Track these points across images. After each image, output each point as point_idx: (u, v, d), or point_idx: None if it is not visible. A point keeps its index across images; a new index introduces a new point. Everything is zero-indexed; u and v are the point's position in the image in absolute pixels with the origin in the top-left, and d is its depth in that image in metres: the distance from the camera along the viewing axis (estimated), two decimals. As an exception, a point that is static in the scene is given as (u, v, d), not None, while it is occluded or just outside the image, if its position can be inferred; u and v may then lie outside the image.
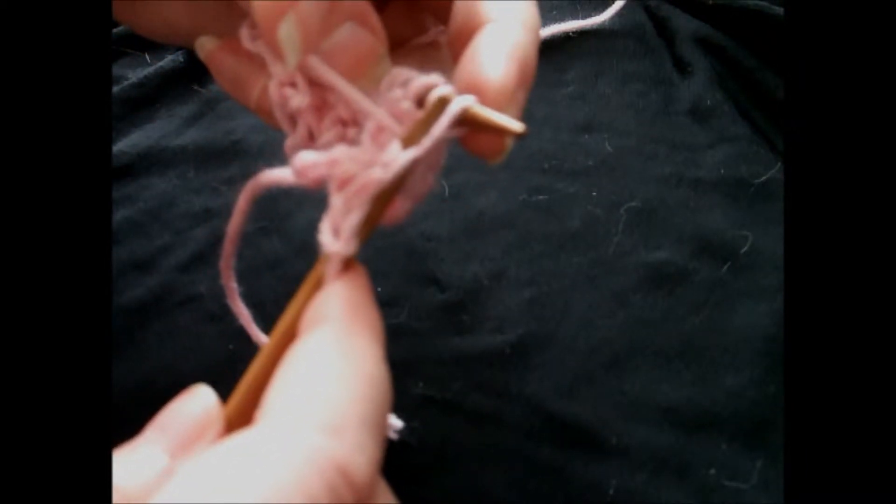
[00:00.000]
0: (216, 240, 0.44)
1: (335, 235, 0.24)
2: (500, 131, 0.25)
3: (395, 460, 0.38)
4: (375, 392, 0.22)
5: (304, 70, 0.26)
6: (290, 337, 0.24)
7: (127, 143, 0.50)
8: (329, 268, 0.24)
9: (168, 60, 0.53)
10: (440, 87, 0.25)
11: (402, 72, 0.26)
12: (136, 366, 0.41)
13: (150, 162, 0.49)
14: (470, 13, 0.27)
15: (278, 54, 0.25)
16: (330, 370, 0.21)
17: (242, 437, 0.20)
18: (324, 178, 0.25)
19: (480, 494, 0.37)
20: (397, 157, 0.24)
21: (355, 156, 0.25)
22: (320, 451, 0.19)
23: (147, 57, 0.54)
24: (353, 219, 0.24)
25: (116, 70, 0.54)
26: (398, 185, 0.25)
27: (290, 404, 0.21)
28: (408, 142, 0.25)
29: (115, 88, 0.52)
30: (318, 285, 0.25)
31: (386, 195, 0.25)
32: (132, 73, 0.53)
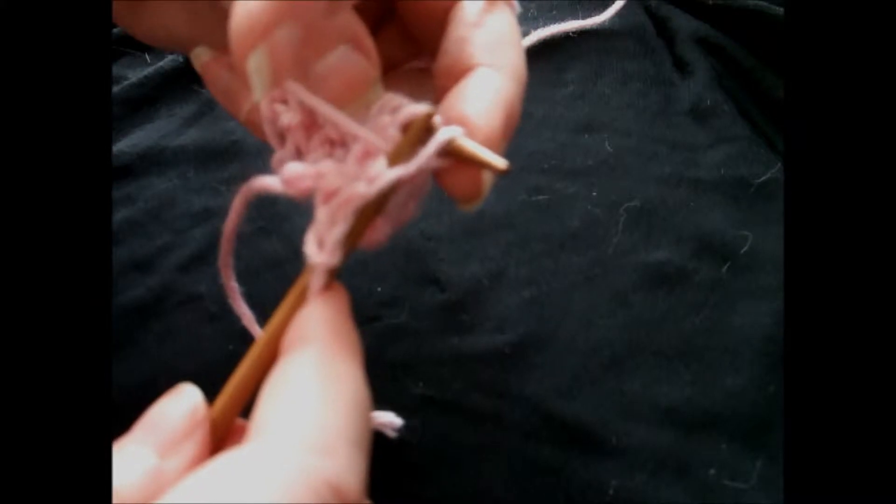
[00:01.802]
0: (216, 240, 0.44)
1: (319, 247, 0.25)
2: (482, 166, 0.25)
3: (395, 460, 0.38)
4: (360, 413, 0.22)
5: (298, 98, 0.26)
6: (277, 342, 0.24)
7: (127, 143, 0.50)
8: (313, 279, 0.25)
9: (168, 60, 0.53)
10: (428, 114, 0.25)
11: (394, 98, 0.26)
12: (136, 366, 0.41)
13: (150, 162, 0.49)
14: (460, 53, 0.27)
15: (249, 83, 0.25)
16: (318, 392, 0.22)
17: (236, 454, 0.20)
18: (311, 190, 0.25)
19: (480, 494, 0.37)
20: (382, 173, 0.25)
21: (341, 170, 0.25)
22: (314, 470, 0.20)
23: (147, 57, 0.54)
24: (338, 231, 0.25)
25: (116, 70, 0.54)
26: (382, 201, 0.25)
27: (281, 425, 0.21)
28: (393, 159, 0.25)
29: (115, 88, 0.52)
30: (304, 295, 0.25)
31: (370, 210, 0.25)
32: (132, 73, 0.53)
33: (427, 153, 0.25)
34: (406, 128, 0.25)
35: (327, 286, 0.25)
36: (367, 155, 0.25)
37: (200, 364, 0.41)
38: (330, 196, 0.25)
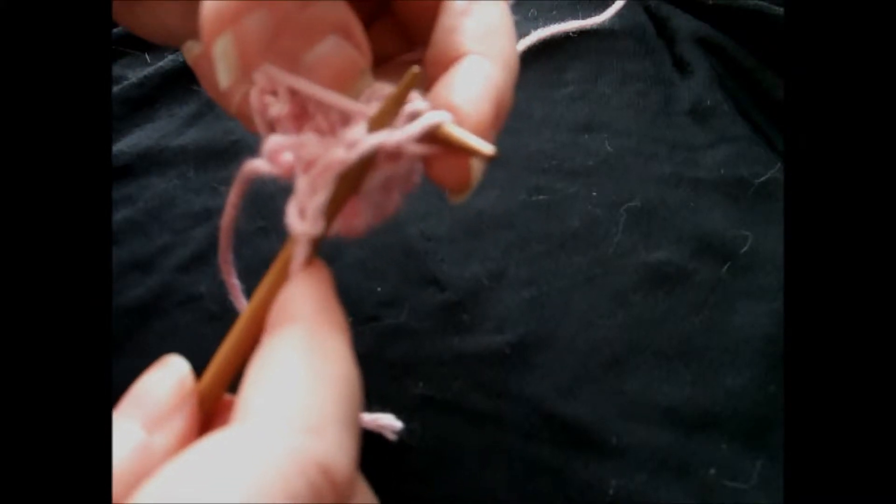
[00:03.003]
0: (216, 239, 0.44)
1: (301, 217, 0.25)
2: (469, 152, 0.25)
3: (395, 460, 0.38)
4: (349, 391, 0.22)
5: (273, 77, 0.26)
6: (262, 316, 0.24)
7: (127, 143, 0.50)
8: (297, 249, 0.25)
9: (168, 60, 0.53)
10: (416, 102, 0.25)
11: (383, 87, 0.26)
12: (136, 366, 0.41)
13: (150, 162, 0.49)
14: (449, 42, 0.27)
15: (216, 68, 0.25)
16: (305, 371, 0.22)
17: (224, 436, 0.20)
18: (294, 164, 0.25)
19: (480, 494, 0.37)
20: (362, 137, 0.24)
21: (322, 140, 0.25)
22: (302, 450, 0.20)
23: (147, 57, 0.54)
24: (319, 199, 0.24)
25: (116, 70, 0.54)
26: (364, 168, 0.25)
27: (269, 405, 0.21)
28: (374, 125, 0.25)
29: (115, 88, 0.52)
30: (287, 267, 0.25)
31: (351, 178, 0.25)
32: (132, 73, 0.53)
33: (413, 131, 0.24)
34: (400, 116, 0.25)
35: (309, 261, 0.25)
36: (348, 122, 0.25)
37: (200, 364, 0.41)
38: (310, 165, 0.25)
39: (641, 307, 0.41)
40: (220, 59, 0.24)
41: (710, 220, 0.44)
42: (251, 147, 0.48)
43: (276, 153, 0.25)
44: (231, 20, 0.24)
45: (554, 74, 0.50)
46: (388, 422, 0.37)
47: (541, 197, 0.45)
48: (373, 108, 0.25)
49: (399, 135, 0.24)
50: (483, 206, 0.45)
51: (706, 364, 0.40)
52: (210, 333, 0.42)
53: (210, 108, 0.51)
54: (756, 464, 0.37)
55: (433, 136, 0.25)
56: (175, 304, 0.43)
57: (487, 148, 0.25)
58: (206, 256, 0.44)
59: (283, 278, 0.25)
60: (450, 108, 0.25)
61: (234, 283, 0.30)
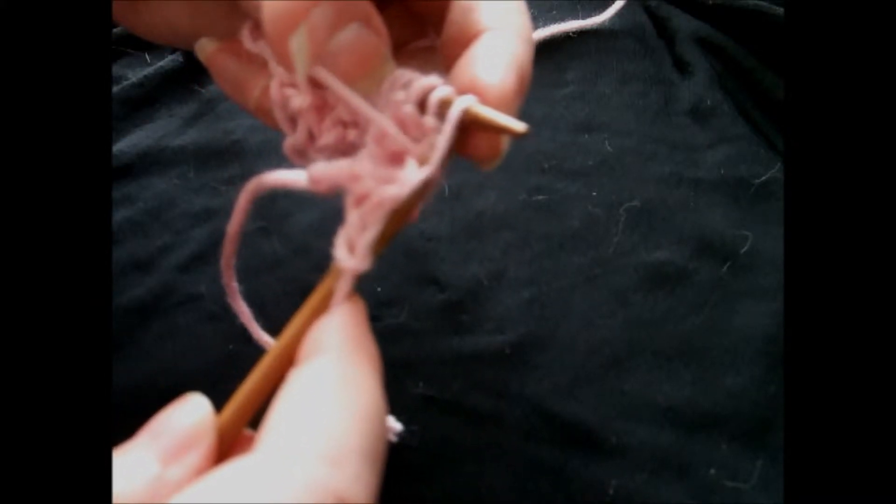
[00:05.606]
0: (216, 240, 0.44)
1: (350, 251, 0.24)
2: (500, 131, 0.25)
3: (396, 461, 0.38)
4: (374, 423, 0.22)
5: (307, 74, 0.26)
6: (292, 350, 0.24)
7: (127, 143, 0.50)
8: (341, 284, 0.24)
9: (168, 60, 0.53)
10: (441, 88, 0.25)
11: (404, 73, 0.26)
12: (136, 366, 0.41)
13: (150, 162, 0.49)
14: (467, 21, 0.27)
15: (287, 64, 0.25)
16: (331, 401, 0.22)
17: (243, 462, 0.20)
18: (336, 186, 0.25)
19: (480, 494, 0.37)
20: (415, 175, 0.24)
21: (376, 173, 0.25)
22: (320, 480, 0.20)
23: (147, 57, 0.54)
24: (369, 235, 0.24)
25: (116, 70, 0.54)
26: (414, 202, 0.25)
27: (291, 433, 0.21)
28: (423, 159, 0.25)
29: (115, 88, 0.52)
30: (326, 300, 0.25)
31: (401, 213, 0.25)
32: (132, 73, 0.53)
33: (446, 137, 0.24)
34: (421, 101, 0.25)
35: (350, 295, 0.24)
36: (384, 137, 0.25)
37: (200, 364, 0.41)
38: (362, 199, 0.24)
39: (641, 307, 0.41)
40: (297, 53, 0.25)
41: (710, 220, 0.44)
42: (251, 147, 0.49)
43: (322, 179, 0.25)
44: (302, 14, 0.24)
45: (554, 74, 0.50)
46: (388, 423, 0.37)
47: (541, 197, 0.45)
48: (406, 110, 0.25)
49: (440, 153, 0.24)
50: (483, 206, 0.45)
51: (706, 364, 0.40)
52: (210, 333, 0.42)
53: (210, 108, 0.51)
54: (756, 464, 0.37)
55: (464, 123, 0.25)
56: (175, 304, 0.43)
57: (519, 125, 0.24)
58: (206, 256, 0.44)
59: (320, 311, 0.24)
60: (474, 82, 0.25)
61: (234, 287, 0.30)
